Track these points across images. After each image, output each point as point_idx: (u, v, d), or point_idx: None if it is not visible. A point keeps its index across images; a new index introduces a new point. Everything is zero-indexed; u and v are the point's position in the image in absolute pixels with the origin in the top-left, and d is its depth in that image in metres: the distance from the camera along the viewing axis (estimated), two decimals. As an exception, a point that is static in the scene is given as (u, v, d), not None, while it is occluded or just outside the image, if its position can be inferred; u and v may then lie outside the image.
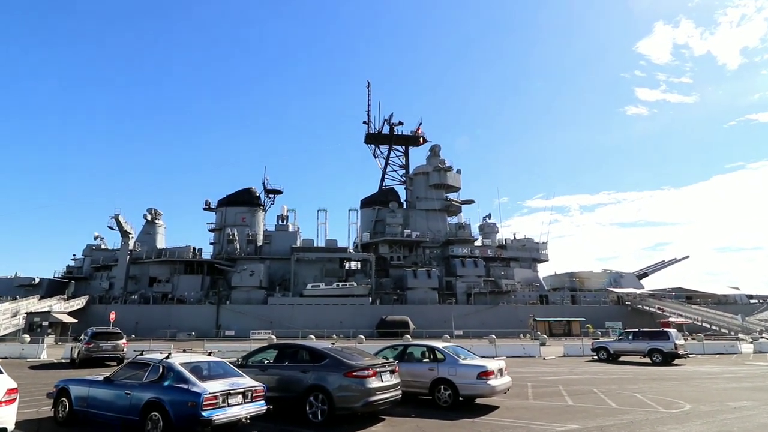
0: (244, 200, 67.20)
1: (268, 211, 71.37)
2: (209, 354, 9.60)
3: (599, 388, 13.72)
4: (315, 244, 65.86)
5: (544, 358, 25.17)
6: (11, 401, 6.74)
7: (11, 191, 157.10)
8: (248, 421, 7.68)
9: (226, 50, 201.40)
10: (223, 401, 7.31)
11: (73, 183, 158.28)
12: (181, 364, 7.91)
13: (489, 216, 73.92)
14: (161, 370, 7.80)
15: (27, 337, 30.80)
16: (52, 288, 56.97)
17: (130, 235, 59.11)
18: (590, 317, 52.78)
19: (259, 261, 60.35)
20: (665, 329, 24.18)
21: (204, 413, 6.97)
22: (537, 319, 51.11)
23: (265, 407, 7.99)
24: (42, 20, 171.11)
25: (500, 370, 10.80)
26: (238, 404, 7.55)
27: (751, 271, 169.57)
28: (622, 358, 23.80)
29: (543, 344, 32.78)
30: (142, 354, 8.87)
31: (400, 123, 78.18)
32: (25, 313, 41.67)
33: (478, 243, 69.63)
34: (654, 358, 21.88)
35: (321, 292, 56.03)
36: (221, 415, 7.15)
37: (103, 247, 63.82)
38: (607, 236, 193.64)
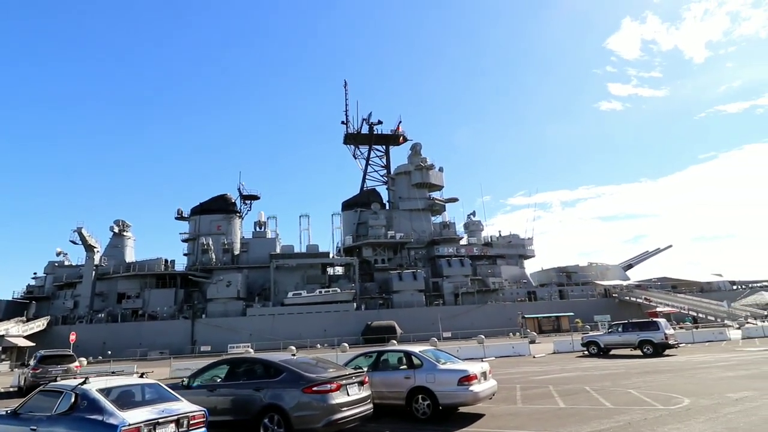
0: (219, 207, 64.88)
1: (245, 218, 69.53)
2: (141, 375, 8.18)
3: (592, 386, 12.80)
4: (297, 251, 63.77)
5: (534, 357, 24.47)
6: None
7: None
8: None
9: (204, 48, 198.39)
10: (149, 433, 5.99)
11: (34, 196, 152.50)
12: (100, 391, 6.55)
13: (473, 214, 73.23)
14: (73, 399, 6.44)
15: (-23, 365, 28.40)
16: (10, 309, 53.64)
17: (95, 250, 56.35)
18: (579, 312, 52.38)
19: (237, 270, 58.21)
20: (654, 319, 23.59)
21: (119, 450, 5.64)
22: (526, 316, 50.38)
23: (206, 436, 6.69)
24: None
25: (484, 374, 9.75)
26: (170, 435, 6.25)
27: (730, 258, 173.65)
28: (612, 352, 23.24)
29: (533, 342, 32.14)
30: (87, 380, 7.09)
31: (380, 122, 76.94)
32: (-24, 339, 38.87)
33: (463, 242, 68.56)
34: (645, 350, 21.30)
35: (303, 300, 54.16)
36: (141, 451, 5.83)
37: (66, 263, 60.80)
38: (590, 230, 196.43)
